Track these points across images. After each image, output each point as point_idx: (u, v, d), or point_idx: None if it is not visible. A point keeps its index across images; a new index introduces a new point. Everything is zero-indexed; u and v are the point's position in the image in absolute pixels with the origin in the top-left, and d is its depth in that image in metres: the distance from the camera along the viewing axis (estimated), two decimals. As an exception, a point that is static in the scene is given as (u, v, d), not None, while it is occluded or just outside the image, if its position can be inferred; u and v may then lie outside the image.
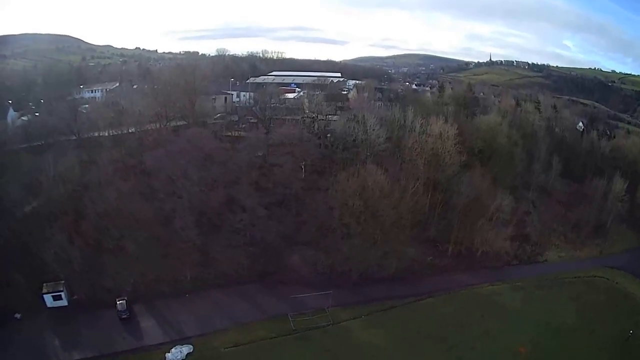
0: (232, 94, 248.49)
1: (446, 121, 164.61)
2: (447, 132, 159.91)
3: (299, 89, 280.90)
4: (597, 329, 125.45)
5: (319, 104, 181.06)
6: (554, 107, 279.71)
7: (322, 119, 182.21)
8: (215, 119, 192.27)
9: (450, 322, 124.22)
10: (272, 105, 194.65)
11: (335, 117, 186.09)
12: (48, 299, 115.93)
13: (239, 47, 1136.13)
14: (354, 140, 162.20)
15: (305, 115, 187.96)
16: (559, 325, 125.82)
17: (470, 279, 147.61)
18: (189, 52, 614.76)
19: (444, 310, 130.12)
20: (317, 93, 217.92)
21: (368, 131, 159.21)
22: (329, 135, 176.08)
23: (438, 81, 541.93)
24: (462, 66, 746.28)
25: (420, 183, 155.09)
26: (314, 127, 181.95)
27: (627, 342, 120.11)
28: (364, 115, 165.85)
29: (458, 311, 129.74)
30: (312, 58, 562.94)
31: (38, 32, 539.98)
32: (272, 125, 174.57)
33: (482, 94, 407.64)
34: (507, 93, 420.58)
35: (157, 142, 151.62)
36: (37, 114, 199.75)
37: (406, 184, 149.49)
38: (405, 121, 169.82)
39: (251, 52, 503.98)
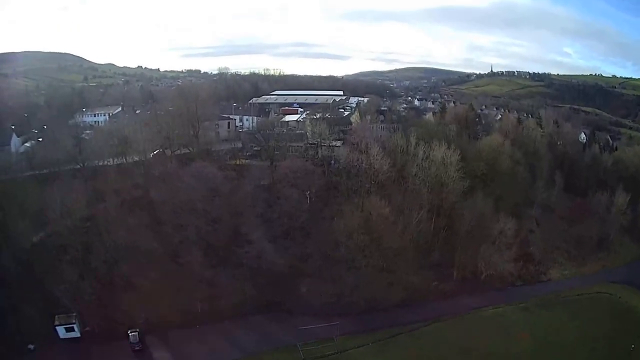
0: (235, 119, 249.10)
1: (449, 147, 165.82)
2: (450, 157, 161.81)
3: (302, 109, 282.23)
4: (599, 344, 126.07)
5: (322, 132, 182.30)
6: (555, 122, 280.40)
7: (325, 145, 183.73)
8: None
9: (455, 346, 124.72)
10: (275, 132, 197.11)
11: (338, 143, 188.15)
12: (60, 331, 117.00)
13: (241, 64, 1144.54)
14: (358, 170, 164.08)
15: (308, 142, 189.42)
16: (561, 343, 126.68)
17: (475, 302, 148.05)
18: (191, 70, 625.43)
19: (449, 335, 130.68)
20: (318, 116, 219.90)
21: (371, 161, 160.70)
22: (332, 162, 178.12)
23: (440, 95, 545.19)
24: (464, 78, 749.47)
25: (424, 211, 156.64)
26: (317, 154, 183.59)
27: (630, 356, 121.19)
28: (367, 144, 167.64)
29: (464, 335, 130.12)
30: (314, 74, 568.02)
31: (39, 50, 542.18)
32: (276, 152, 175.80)
33: (484, 107, 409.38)
34: (509, 106, 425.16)
35: (163, 176, 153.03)
36: (40, 139, 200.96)
37: (410, 213, 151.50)
38: (408, 147, 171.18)
39: (253, 71, 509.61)
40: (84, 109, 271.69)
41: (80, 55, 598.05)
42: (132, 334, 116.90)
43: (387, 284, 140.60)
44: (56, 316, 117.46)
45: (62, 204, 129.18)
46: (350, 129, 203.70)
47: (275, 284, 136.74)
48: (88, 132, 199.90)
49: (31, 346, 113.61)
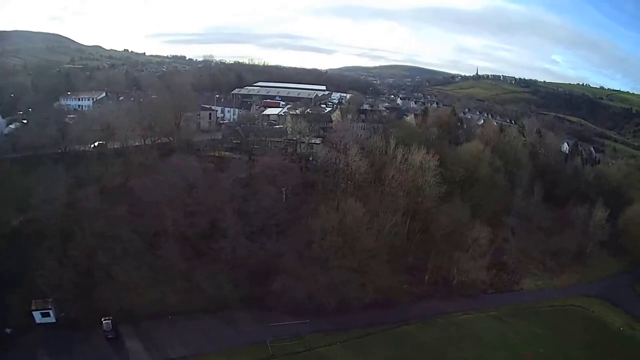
0: (217, 110, 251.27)
1: (428, 151, 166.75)
2: (428, 162, 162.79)
3: (284, 103, 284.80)
4: (571, 358, 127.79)
5: (302, 130, 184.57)
6: (538, 131, 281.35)
7: (305, 142, 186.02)
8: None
9: (425, 351, 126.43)
10: (256, 126, 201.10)
11: (318, 140, 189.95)
12: (37, 316, 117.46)
13: (226, 53, 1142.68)
14: (335, 169, 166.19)
15: (288, 138, 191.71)
16: (533, 355, 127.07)
17: (446, 307, 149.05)
18: (177, 56, 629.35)
19: (419, 338, 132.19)
20: (299, 111, 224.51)
21: (350, 162, 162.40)
22: (311, 158, 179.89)
23: (423, 94, 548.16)
24: (449, 79, 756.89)
25: (399, 214, 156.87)
26: (296, 150, 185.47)
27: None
28: (346, 144, 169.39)
29: (434, 339, 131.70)
30: (299, 66, 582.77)
31: (30, 29, 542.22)
32: (255, 146, 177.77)
33: (467, 109, 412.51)
34: (493, 110, 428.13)
35: (144, 167, 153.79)
36: (24, 120, 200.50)
37: (385, 216, 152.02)
38: (387, 149, 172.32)
39: (238, 61, 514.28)
40: (68, 93, 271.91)
41: (69, 37, 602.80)
42: (106, 322, 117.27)
43: (359, 285, 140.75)
44: (33, 301, 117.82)
45: (44, 190, 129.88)
46: (331, 127, 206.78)
47: (250, 280, 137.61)
48: (72, 116, 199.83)
49: (8, 330, 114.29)
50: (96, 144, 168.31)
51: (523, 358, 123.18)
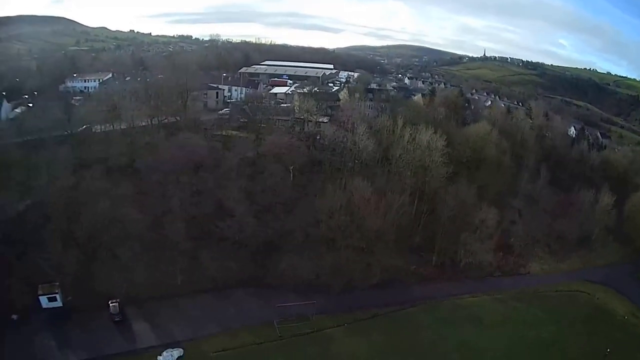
0: (224, 89, 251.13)
1: (435, 131, 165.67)
2: (435, 142, 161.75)
3: (291, 81, 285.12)
4: (573, 345, 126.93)
5: (310, 109, 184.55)
6: (545, 114, 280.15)
7: (312, 121, 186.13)
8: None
9: (430, 332, 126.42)
10: (263, 104, 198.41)
11: (325, 119, 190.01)
12: (43, 300, 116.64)
13: (232, 32, 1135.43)
14: (343, 148, 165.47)
15: (295, 117, 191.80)
16: (535, 340, 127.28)
17: (453, 289, 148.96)
18: (183, 36, 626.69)
19: (425, 320, 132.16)
20: (307, 90, 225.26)
21: (357, 141, 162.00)
22: (318, 137, 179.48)
23: (431, 74, 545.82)
24: (456, 60, 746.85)
25: (407, 194, 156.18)
26: (303, 129, 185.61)
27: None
28: (353, 124, 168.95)
29: (438, 321, 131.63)
30: (306, 45, 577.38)
31: (34, 13, 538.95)
32: (262, 125, 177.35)
33: (474, 90, 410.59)
34: (500, 92, 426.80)
35: (150, 145, 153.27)
36: (30, 104, 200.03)
37: (392, 196, 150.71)
38: (394, 129, 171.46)
39: (244, 39, 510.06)
40: (74, 75, 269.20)
41: (74, 19, 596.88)
42: (113, 304, 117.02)
43: (365, 265, 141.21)
44: (39, 286, 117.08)
45: (49, 172, 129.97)
46: (338, 106, 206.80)
47: (256, 259, 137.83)
48: (78, 98, 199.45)
49: (14, 316, 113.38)
50: (83, 127, 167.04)
51: None
